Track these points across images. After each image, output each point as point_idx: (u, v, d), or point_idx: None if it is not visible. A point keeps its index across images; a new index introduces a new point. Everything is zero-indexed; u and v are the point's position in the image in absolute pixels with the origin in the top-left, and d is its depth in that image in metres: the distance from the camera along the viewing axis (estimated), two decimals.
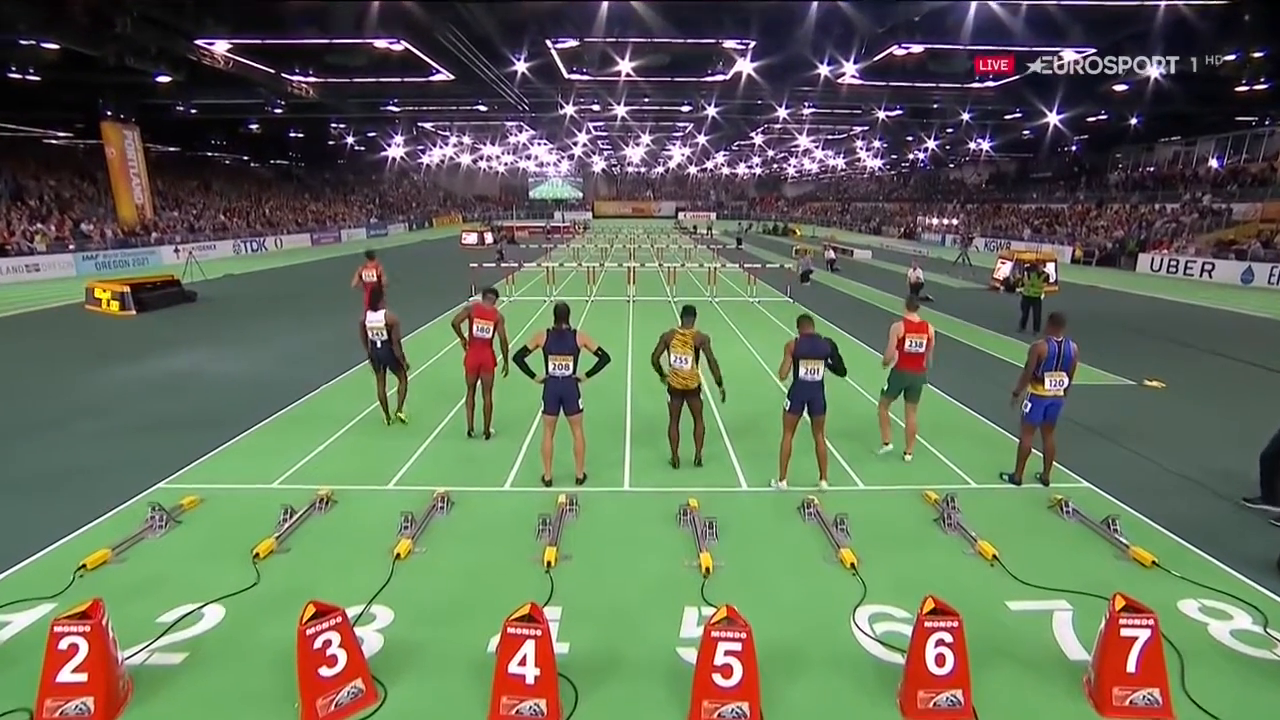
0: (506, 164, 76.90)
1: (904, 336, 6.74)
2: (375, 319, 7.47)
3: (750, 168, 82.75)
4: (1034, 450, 6.40)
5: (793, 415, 6.08)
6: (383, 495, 6.17)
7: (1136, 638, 3.31)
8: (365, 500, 6.04)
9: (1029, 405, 6.20)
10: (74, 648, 3.35)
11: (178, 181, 41.16)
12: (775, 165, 79.97)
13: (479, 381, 7.39)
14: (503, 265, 22.05)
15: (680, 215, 77.67)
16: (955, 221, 48.32)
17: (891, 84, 31.64)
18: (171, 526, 5.47)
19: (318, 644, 3.44)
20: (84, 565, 4.81)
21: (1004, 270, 21.52)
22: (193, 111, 36.27)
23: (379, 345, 7.54)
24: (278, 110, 36.55)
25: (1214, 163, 36.52)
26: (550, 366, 6.06)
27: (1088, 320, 15.49)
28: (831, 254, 28.59)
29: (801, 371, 5.95)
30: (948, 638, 3.44)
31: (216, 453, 7.14)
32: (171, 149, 46.59)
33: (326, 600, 3.59)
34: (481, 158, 71.35)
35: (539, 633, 3.43)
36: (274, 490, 6.23)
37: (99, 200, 32.57)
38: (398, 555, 4.99)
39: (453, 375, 9.37)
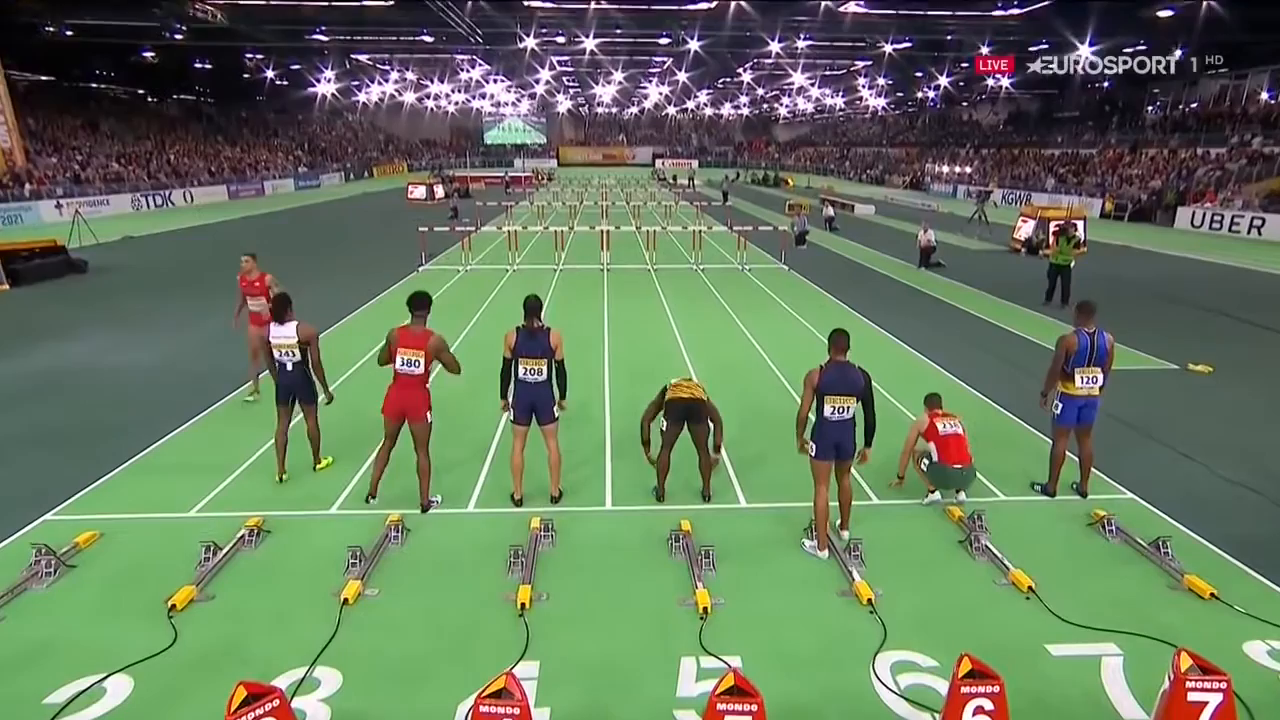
0: (457, 103, 75.00)
1: (932, 423, 6.18)
2: (284, 334, 6.23)
3: (737, 108, 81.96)
4: (1069, 455, 6.40)
5: (824, 462, 5.45)
6: (324, 523, 5.97)
7: (1206, 703, 3.30)
8: (304, 529, 5.83)
9: (1060, 406, 6.18)
10: None
11: (55, 119, 39.25)
12: (765, 105, 79.36)
13: (402, 432, 5.95)
14: (457, 228, 21.52)
15: (658, 163, 76.83)
16: (969, 169, 48.52)
17: (901, 13, 31.39)
18: (62, 573, 5.17)
19: None
20: None
21: (1026, 229, 21.67)
22: (68, 34, 34.44)
23: (289, 368, 6.35)
24: (178, 36, 34.98)
25: (1265, 96, 36.17)
26: (521, 370, 5.90)
27: (1119, 289, 15.69)
28: (830, 210, 28.53)
29: (827, 410, 5.29)
30: (988, 705, 3.40)
31: (118, 472, 6.82)
32: (44, 78, 44.19)
33: (260, 661, 3.39)
34: (428, 96, 69.41)
35: (517, 711, 3.33)
36: (192, 520, 5.98)
37: None
38: (345, 600, 4.82)
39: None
